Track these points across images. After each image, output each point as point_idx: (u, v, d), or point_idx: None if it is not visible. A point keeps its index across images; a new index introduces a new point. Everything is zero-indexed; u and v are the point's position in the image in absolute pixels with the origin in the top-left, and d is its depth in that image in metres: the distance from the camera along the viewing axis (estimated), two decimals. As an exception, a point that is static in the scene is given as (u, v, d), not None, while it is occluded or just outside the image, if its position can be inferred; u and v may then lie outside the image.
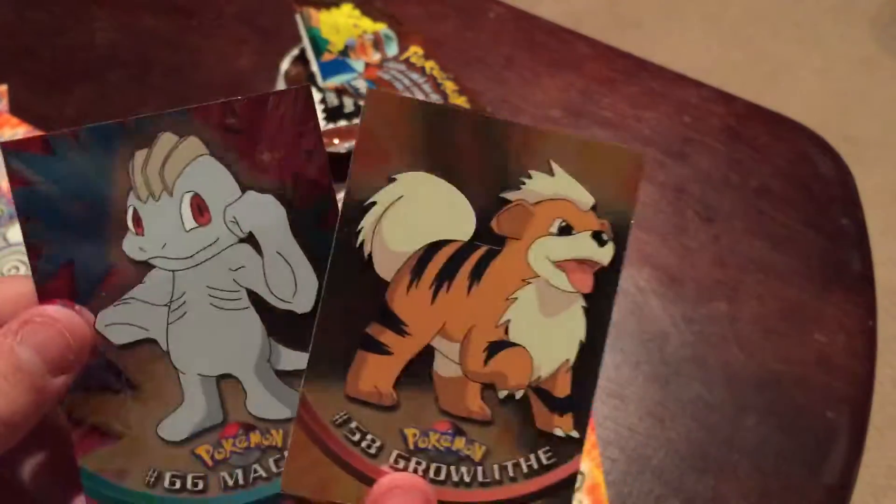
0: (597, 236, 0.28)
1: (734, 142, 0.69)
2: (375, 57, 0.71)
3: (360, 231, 0.27)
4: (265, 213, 0.27)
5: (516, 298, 0.28)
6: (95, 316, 0.26)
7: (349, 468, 0.27)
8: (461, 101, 0.67)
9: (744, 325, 0.59)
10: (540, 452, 0.28)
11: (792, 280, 0.61)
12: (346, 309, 0.27)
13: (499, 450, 0.28)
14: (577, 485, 0.29)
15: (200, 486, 0.27)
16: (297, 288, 0.27)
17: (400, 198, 0.28)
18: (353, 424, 0.27)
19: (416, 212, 0.28)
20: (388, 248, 0.28)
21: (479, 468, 0.28)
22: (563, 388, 0.28)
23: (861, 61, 1.57)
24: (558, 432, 0.28)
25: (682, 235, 0.64)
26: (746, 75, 1.53)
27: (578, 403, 0.28)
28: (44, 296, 0.26)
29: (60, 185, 0.26)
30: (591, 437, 0.52)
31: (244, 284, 0.27)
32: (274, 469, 0.28)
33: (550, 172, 0.28)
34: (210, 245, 0.27)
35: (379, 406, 0.28)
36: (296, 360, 0.28)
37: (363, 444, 0.27)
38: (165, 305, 0.27)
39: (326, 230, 0.27)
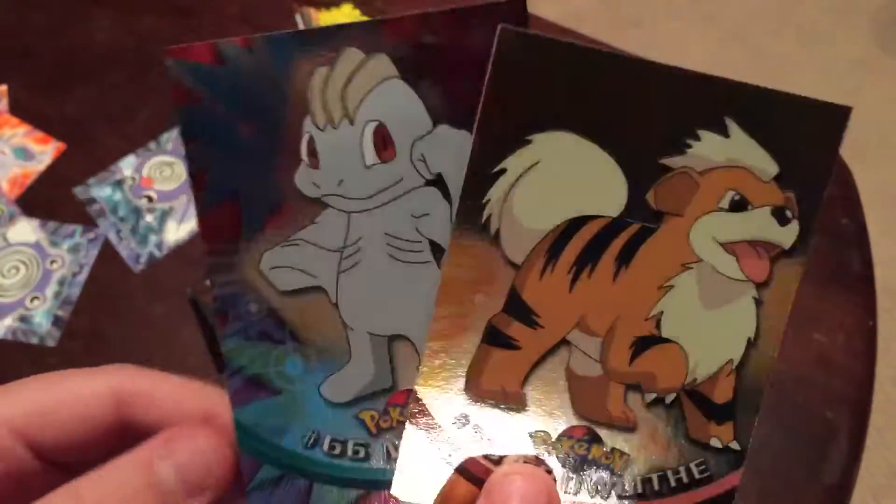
0: (778, 213, 0.23)
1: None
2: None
3: (486, 203, 0.23)
4: (458, 153, 0.23)
5: (672, 286, 0.24)
6: (261, 256, 0.23)
7: (468, 474, 0.24)
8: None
9: (744, 325, 0.59)
10: (692, 465, 0.24)
11: (792, 280, 0.61)
12: (470, 296, 0.24)
13: (643, 460, 0.24)
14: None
15: (362, 453, 0.24)
16: None
17: (536, 163, 0.23)
18: (474, 426, 0.24)
19: (554, 181, 0.23)
20: (519, 224, 0.23)
21: (619, 479, 0.24)
22: (723, 393, 0.24)
23: (861, 61, 1.57)
24: (715, 443, 0.24)
25: (682, 235, 0.63)
26: (746, 75, 1.53)
27: (742, 410, 0.24)
28: (209, 231, 0.23)
29: (228, 103, 0.23)
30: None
31: (427, 234, 0.24)
32: None
33: (724, 133, 0.23)
34: (392, 185, 0.23)
35: (505, 407, 0.24)
36: None
37: (485, 448, 0.24)
38: (338, 251, 0.23)
39: None
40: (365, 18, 0.73)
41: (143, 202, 0.68)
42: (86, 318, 0.63)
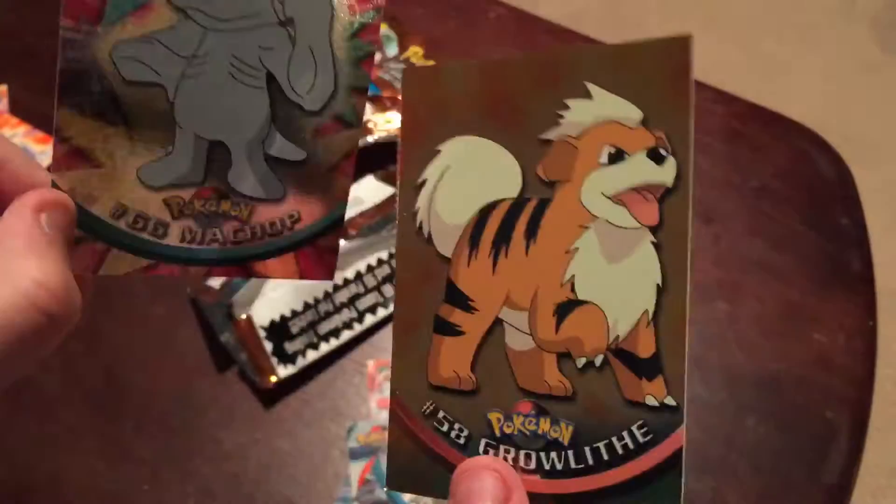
0: (653, 154, 0.24)
1: (734, 142, 0.69)
2: (376, 57, 0.71)
3: (417, 211, 0.27)
4: (312, 6, 0.27)
5: (577, 249, 0.25)
6: (116, 44, 0.26)
7: (443, 462, 0.26)
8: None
9: (744, 325, 0.59)
10: (633, 428, 0.24)
11: (792, 280, 0.61)
12: (418, 294, 0.27)
13: (588, 429, 0.25)
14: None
15: (161, 231, 0.28)
16: (315, 86, 0.28)
17: (448, 168, 0.27)
18: (441, 414, 0.26)
19: (464, 179, 0.26)
20: (444, 222, 0.27)
21: (570, 452, 0.25)
22: (646, 346, 0.24)
23: (861, 62, 1.57)
24: (650, 401, 0.24)
25: (682, 235, 0.63)
26: (746, 75, 1.53)
27: (669, 362, 0.24)
28: (72, 8, 0.26)
29: None
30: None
31: (267, 65, 0.27)
32: (231, 237, 0.28)
33: (588, 96, 0.25)
34: (249, 16, 0.27)
35: (461, 392, 0.26)
36: (287, 150, 0.28)
37: (452, 435, 0.26)
38: (186, 58, 0.27)
39: (363, 42, 0.28)
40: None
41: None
42: (86, 318, 0.63)
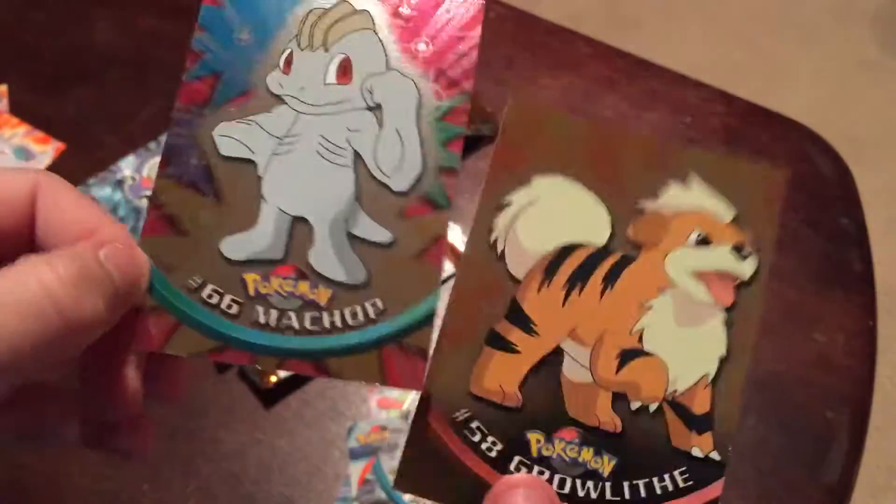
0: (738, 249, 0.28)
1: (734, 142, 0.69)
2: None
3: (495, 228, 0.28)
4: (399, 93, 0.29)
5: (651, 307, 0.27)
6: (217, 123, 0.28)
7: (466, 471, 0.26)
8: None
9: (744, 325, 0.59)
10: (675, 473, 0.26)
11: (792, 280, 0.61)
12: (476, 304, 0.28)
13: (629, 466, 0.26)
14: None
15: (234, 310, 0.27)
16: (401, 167, 0.28)
17: (536, 200, 0.28)
18: (475, 424, 0.27)
19: (551, 214, 0.28)
20: (521, 246, 0.28)
21: (608, 484, 0.26)
22: (701, 405, 0.27)
23: (861, 62, 1.57)
24: (696, 452, 0.27)
25: (682, 235, 0.63)
26: (746, 75, 1.53)
27: (720, 422, 0.27)
28: (187, 94, 0.29)
29: (241, 13, 0.29)
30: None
31: (354, 146, 0.28)
32: (307, 325, 0.27)
33: (688, 185, 0.28)
34: (340, 102, 0.29)
35: (502, 406, 0.27)
36: (372, 230, 0.28)
37: (483, 447, 0.27)
38: (278, 138, 0.29)
39: (450, 124, 0.29)
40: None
41: (143, 202, 0.68)
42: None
